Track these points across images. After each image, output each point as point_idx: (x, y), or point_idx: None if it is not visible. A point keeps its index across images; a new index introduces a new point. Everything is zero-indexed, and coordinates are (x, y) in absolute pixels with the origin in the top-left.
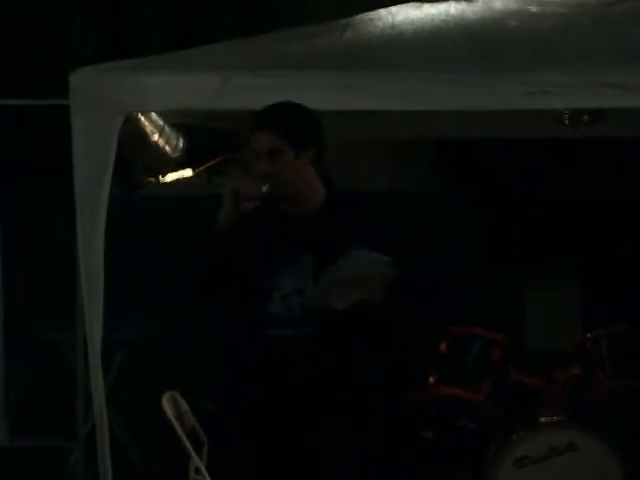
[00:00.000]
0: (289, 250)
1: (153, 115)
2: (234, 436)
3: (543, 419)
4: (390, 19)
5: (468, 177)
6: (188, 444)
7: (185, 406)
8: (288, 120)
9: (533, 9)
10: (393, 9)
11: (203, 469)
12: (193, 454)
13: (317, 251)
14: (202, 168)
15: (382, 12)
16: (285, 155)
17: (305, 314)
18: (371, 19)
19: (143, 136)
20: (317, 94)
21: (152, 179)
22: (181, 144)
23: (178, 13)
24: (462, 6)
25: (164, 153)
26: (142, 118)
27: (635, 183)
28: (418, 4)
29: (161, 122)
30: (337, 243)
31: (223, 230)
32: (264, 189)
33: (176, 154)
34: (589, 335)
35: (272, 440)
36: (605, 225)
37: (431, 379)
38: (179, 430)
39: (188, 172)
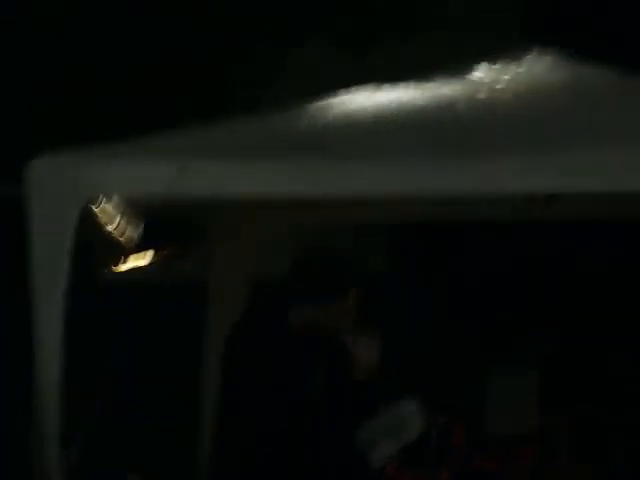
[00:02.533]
0: None
1: (107, 206)
2: None
3: None
4: (346, 104)
5: (427, 260)
6: None
7: None
8: None
9: (482, 95)
10: (349, 95)
11: None
12: None
13: None
14: (156, 258)
15: (338, 98)
16: None
17: None
18: (328, 104)
19: (97, 227)
20: (271, 181)
21: (109, 268)
22: (137, 233)
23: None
24: (415, 91)
25: (119, 243)
26: (97, 209)
27: (586, 266)
28: (376, 87)
29: (116, 211)
30: None
31: None
32: None
33: (131, 243)
34: (546, 418)
35: None
36: (565, 306)
37: (389, 467)
38: None
39: (144, 261)
